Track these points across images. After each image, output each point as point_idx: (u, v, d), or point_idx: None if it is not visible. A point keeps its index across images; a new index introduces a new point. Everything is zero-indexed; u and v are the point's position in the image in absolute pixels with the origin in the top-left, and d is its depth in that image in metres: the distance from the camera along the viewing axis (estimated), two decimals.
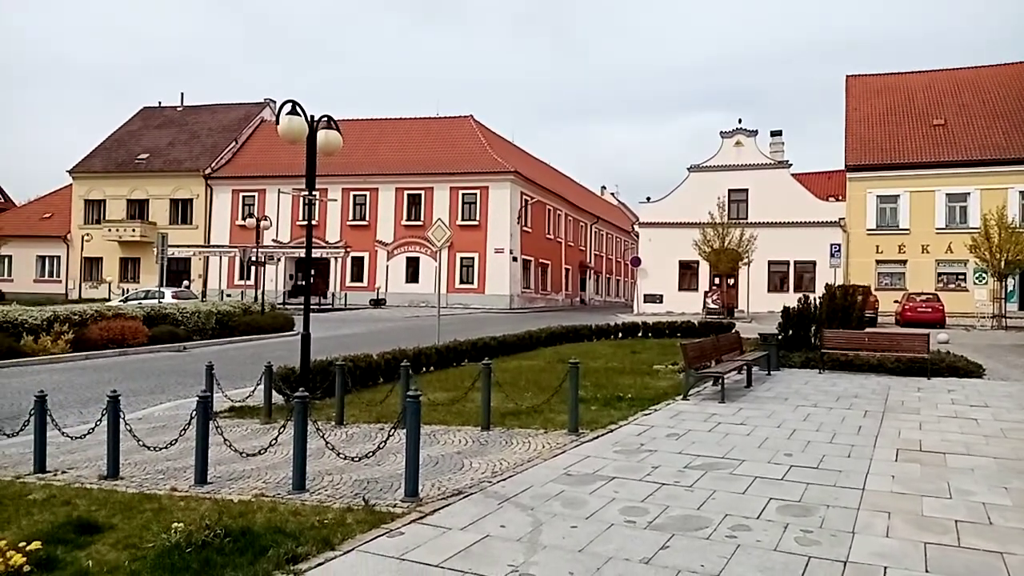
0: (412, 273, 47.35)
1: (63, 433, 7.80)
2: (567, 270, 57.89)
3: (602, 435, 8.77)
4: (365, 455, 6.54)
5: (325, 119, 11.38)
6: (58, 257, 53.73)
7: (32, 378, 14.83)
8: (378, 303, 45.56)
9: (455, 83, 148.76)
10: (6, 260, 53.34)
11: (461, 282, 46.14)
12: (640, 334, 24.27)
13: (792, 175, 41.65)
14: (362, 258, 48.32)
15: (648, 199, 45.51)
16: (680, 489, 6.48)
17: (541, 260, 52.05)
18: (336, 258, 47.38)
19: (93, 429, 7.67)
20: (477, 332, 20.24)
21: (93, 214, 52.89)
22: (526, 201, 48.56)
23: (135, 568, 4.59)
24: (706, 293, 39.17)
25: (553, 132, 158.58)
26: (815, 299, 18.30)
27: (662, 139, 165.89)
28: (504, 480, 6.67)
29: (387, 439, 6.61)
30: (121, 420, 7.25)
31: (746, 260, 36.84)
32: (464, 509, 5.80)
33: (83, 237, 51.65)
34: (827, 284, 19.81)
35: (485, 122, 53.18)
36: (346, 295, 46.23)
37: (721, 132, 42.56)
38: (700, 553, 4.90)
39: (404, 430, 6.10)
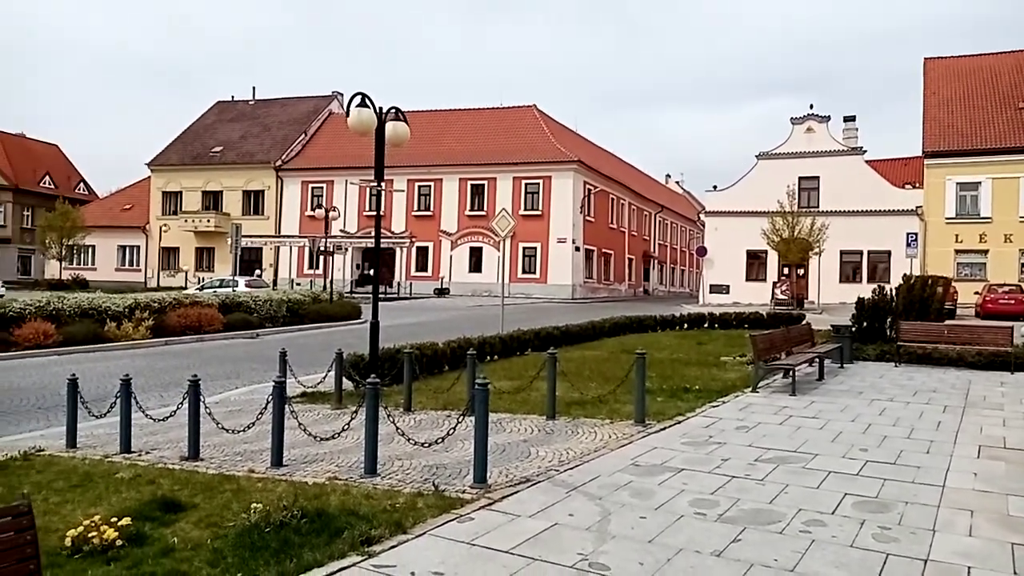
0: (475, 263, 47.68)
1: (147, 415, 8.15)
2: (630, 260, 57.38)
3: (669, 426, 8.69)
4: (434, 441, 6.64)
5: (393, 111, 11.53)
6: (138, 247, 56.01)
7: (115, 363, 15.53)
8: (442, 292, 46.07)
9: (518, 73, 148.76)
10: (90, 250, 55.87)
11: (523, 272, 46.23)
12: (706, 325, 23.92)
13: (866, 162, 40.27)
14: (426, 248, 48.91)
15: (715, 187, 44.67)
16: (751, 482, 6.37)
17: (604, 250, 51.72)
18: (401, 248, 48.10)
19: (175, 412, 8.00)
20: (539, 322, 20.27)
21: (170, 205, 54.92)
22: (589, 190, 48.28)
23: (217, 546, 4.78)
24: (774, 284, 38.27)
25: (617, 120, 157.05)
26: (891, 290, 17.69)
27: (728, 126, 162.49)
28: (571, 469, 6.68)
29: (456, 426, 6.69)
30: (201, 404, 7.53)
31: (817, 250, 35.82)
32: (532, 497, 5.84)
33: (161, 228, 53.70)
34: (905, 275, 19.14)
35: (548, 111, 53.06)
36: (411, 284, 46.88)
37: (792, 118, 41.42)
38: (773, 547, 4.82)
39: (471, 417, 6.17)
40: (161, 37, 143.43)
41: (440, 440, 6.65)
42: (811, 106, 42.44)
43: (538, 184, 46.63)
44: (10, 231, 61.35)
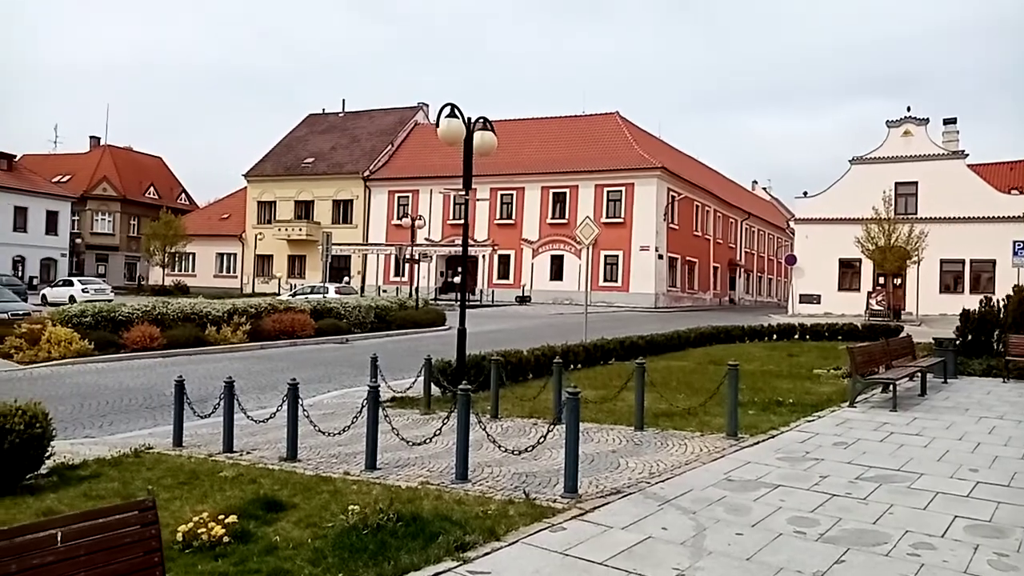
0: (556, 271, 47.68)
1: (248, 417, 8.48)
2: (715, 268, 56.22)
3: (763, 441, 8.46)
4: (524, 449, 6.66)
5: (481, 120, 11.67)
6: (234, 254, 58.50)
7: (214, 365, 16.24)
8: (523, 300, 46.26)
9: (601, 80, 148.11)
10: (191, 257, 58.72)
11: (605, 280, 45.92)
12: (796, 336, 23.18)
13: (968, 166, 38.24)
14: (508, 256, 49.24)
15: (805, 194, 43.33)
16: (853, 501, 6.12)
17: (688, 258, 50.85)
18: (483, 256, 48.58)
19: (275, 414, 8.30)
20: (622, 331, 20.08)
21: (265, 215, 57.14)
22: (673, 197, 47.60)
23: (318, 546, 4.92)
24: (869, 294, 36.77)
25: (701, 126, 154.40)
26: (998, 301, 16.73)
27: (817, 130, 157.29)
28: (662, 482, 6.58)
29: (546, 435, 6.69)
30: (299, 407, 7.79)
31: (915, 259, 34.24)
32: (624, 508, 5.78)
33: (256, 236, 55.93)
34: (1016, 285, 18.03)
35: (631, 117, 52.67)
36: (493, 292, 47.26)
37: (887, 121, 39.78)
38: (879, 570, 4.62)
39: (559, 426, 6.16)
40: (257, 53, 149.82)
41: (530, 448, 6.66)
42: (908, 108, 40.67)
43: (620, 191, 46.30)
44: (118, 239, 65.14)
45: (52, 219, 56.66)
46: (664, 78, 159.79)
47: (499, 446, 6.71)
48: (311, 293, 32.58)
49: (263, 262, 56.55)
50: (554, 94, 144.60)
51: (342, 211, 54.88)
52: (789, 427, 9.30)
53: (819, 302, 39.66)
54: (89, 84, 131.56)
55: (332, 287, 34.37)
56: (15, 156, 57.81)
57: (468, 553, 4.74)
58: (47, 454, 7.07)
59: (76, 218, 61.48)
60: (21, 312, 21.42)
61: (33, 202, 55.05)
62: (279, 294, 39.13)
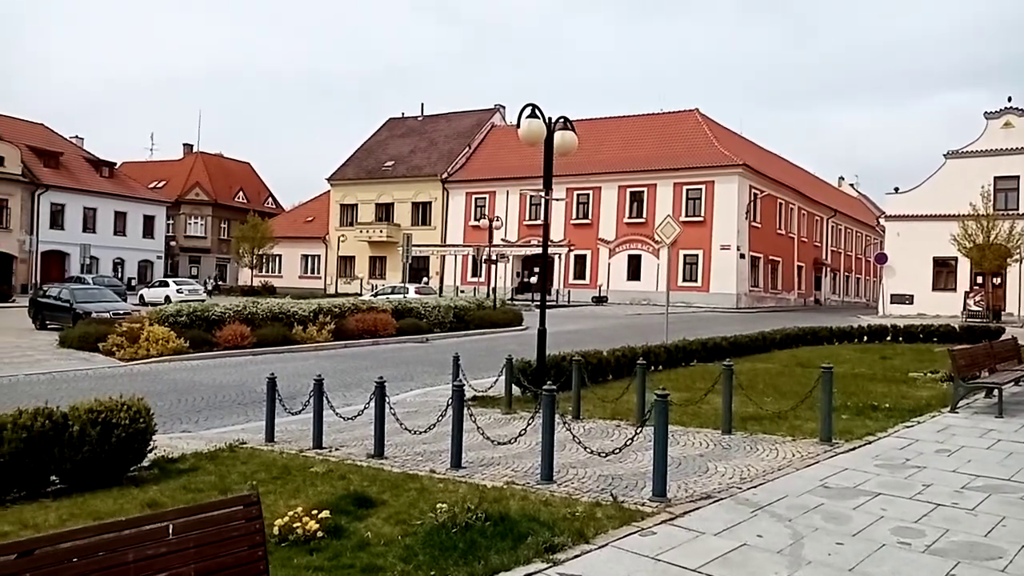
0: (634, 271, 47.16)
1: (336, 414, 8.68)
2: (799, 268, 54.48)
3: (859, 447, 8.11)
4: (611, 451, 6.57)
5: (562, 120, 11.63)
6: (318, 256, 60.19)
7: (301, 363, 16.71)
8: (600, 300, 45.94)
9: (679, 76, 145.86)
10: (277, 258, 60.76)
11: (684, 280, 45.07)
12: (888, 338, 22.19)
13: None
14: (584, 256, 48.99)
15: (896, 190, 41.48)
16: (960, 512, 5.80)
17: (771, 257, 49.46)
18: (560, 256, 48.47)
19: (362, 411, 8.46)
20: (703, 332, 19.66)
21: (347, 217, 58.59)
22: (755, 195, 46.39)
23: (408, 543, 4.97)
24: (967, 294, 34.92)
25: (784, 121, 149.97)
26: None
27: (907, 123, 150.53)
28: (755, 487, 6.39)
29: (634, 437, 6.59)
30: (386, 405, 7.91)
31: (1016, 257, 32.32)
32: (715, 514, 5.63)
33: (339, 238, 57.41)
34: None
35: (711, 114, 51.58)
36: (569, 292, 47.09)
37: (986, 113, 37.67)
38: None
39: (644, 428, 6.05)
40: (340, 61, 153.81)
41: (618, 451, 6.57)
42: (1009, 99, 38.30)
43: (700, 189, 45.42)
44: (209, 242, 67.98)
45: (149, 223, 59.56)
46: (745, 73, 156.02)
47: (584, 447, 6.65)
48: (392, 293, 33.19)
49: (345, 263, 57.96)
50: (631, 93, 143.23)
51: (421, 213, 55.73)
52: (887, 433, 8.89)
53: (912, 302, 37.91)
54: (183, 94, 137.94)
55: (412, 287, 34.94)
56: (115, 164, 61.02)
57: (558, 555, 4.70)
58: (149, 448, 7.40)
59: (171, 222, 64.43)
60: (122, 312, 22.59)
61: (132, 207, 57.99)
62: (361, 294, 40.03)
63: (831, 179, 75.53)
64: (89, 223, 54.36)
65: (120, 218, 56.96)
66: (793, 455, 7.73)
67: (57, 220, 52.35)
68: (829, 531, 5.27)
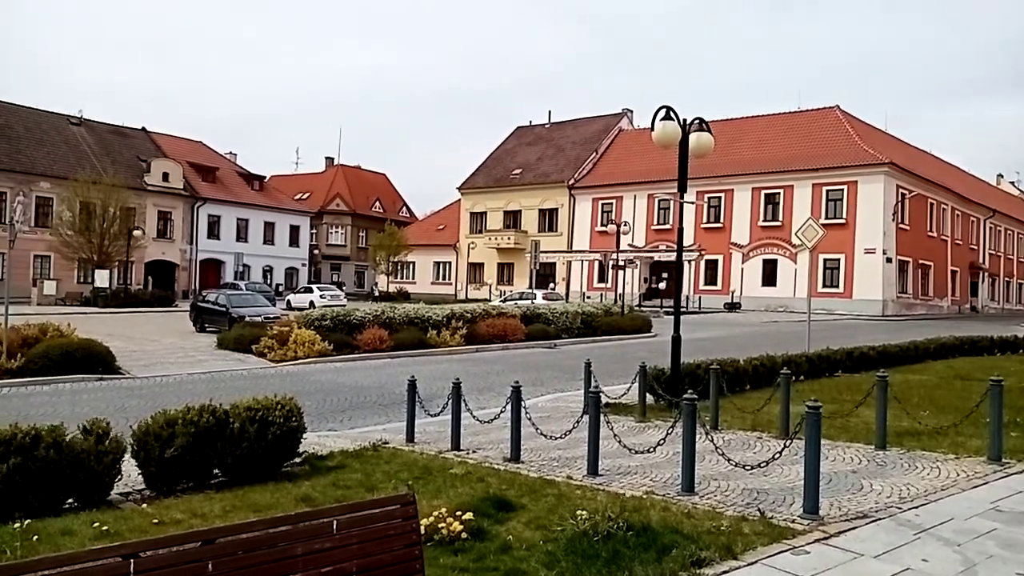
0: (768, 276, 45.34)
1: (474, 417, 8.84)
2: (953, 272, 50.57)
3: None
4: (758, 464, 6.32)
5: (697, 121, 11.37)
6: (449, 262, 61.87)
7: (436, 366, 17.17)
8: (732, 307, 44.48)
9: (818, 73, 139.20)
10: (411, 265, 62.97)
11: (824, 285, 42.86)
12: None
13: None
14: (716, 261, 47.62)
15: None
16: None
17: (921, 261, 46.19)
18: (690, 261, 47.35)
19: (499, 415, 8.57)
20: (846, 340, 18.60)
21: (476, 225, 59.89)
22: (903, 195, 43.48)
23: (550, 549, 4.97)
24: None
25: (935, 117, 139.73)
26: None
27: None
28: (916, 508, 5.95)
29: (782, 450, 6.30)
30: (522, 409, 7.98)
31: None
32: (873, 535, 5.28)
33: (469, 245, 58.79)
34: None
35: (853, 111, 48.88)
36: (700, 298, 45.90)
37: None
38: None
39: (791, 441, 5.77)
40: (470, 72, 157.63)
41: (764, 464, 6.30)
42: None
43: (842, 190, 43.10)
44: (348, 250, 71.44)
45: (294, 233, 63.34)
46: (889, 69, 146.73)
47: (728, 459, 6.43)
48: (520, 299, 33.57)
49: (475, 269, 59.21)
50: (766, 91, 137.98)
51: (548, 219, 56.08)
52: None
53: None
54: (325, 110, 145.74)
55: (539, 293, 35.19)
56: (265, 177, 65.34)
57: (704, 570, 4.56)
58: (300, 445, 7.81)
59: (314, 231, 68.18)
60: (272, 316, 24.06)
61: (279, 218, 61.86)
62: (490, 300, 40.73)
63: (989, 177, 69.70)
64: (242, 233, 58.44)
65: (269, 228, 60.86)
66: (957, 474, 7.15)
67: (214, 231, 56.60)
68: (1006, 559, 4.83)
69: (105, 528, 5.46)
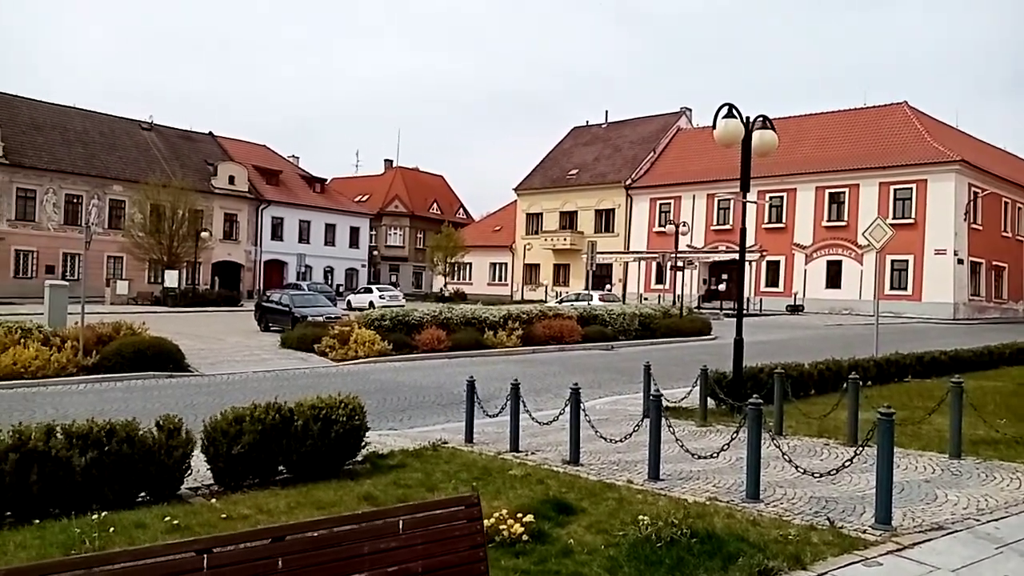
0: (833, 277, 44.15)
1: (532, 418, 8.81)
2: None
3: None
4: (827, 472, 6.14)
5: (760, 119, 11.13)
6: (505, 263, 62.07)
7: (493, 367, 17.21)
8: (795, 309, 43.44)
9: (885, 69, 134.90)
10: (467, 266, 63.39)
11: (892, 288, 41.51)
12: None
13: None
14: (777, 262, 46.60)
15: None
16: None
17: (995, 262, 44.34)
18: (751, 262, 46.45)
19: (558, 417, 8.53)
20: (916, 345, 17.98)
21: (532, 226, 59.92)
22: (975, 194, 41.83)
23: (612, 554, 4.91)
24: None
25: (1010, 112, 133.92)
26: None
27: None
28: (996, 520, 5.70)
29: (853, 457, 6.11)
30: (581, 411, 7.92)
31: None
32: (950, 547, 5.07)
33: (524, 246, 58.84)
34: None
35: (922, 108, 47.23)
36: (760, 300, 44.97)
37: None
38: None
39: (862, 448, 5.58)
40: (526, 74, 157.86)
41: (834, 471, 6.12)
42: None
43: (910, 189, 41.70)
44: (407, 251, 72.35)
45: (354, 234, 64.45)
46: (962, 63, 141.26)
47: (796, 466, 6.26)
48: (576, 300, 33.43)
49: (530, 270, 59.24)
50: (828, 88, 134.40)
51: (604, 220, 55.74)
52: None
53: None
54: (385, 111, 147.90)
55: (596, 295, 34.97)
56: (326, 180, 66.65)
57: None
58: (363, 444, 7.91)
59: (373, 233, 69.23)
60: (333, 316, 24.49)
61: (340, 220, 63.04)
62: (546, 301, 40.67)
63: None
64: (304, 234, 59.73)
65: (330, 230, 62.05)
66: None
67: (277, 232, 57.97)
68: None
69: (176, 522, 5.62)
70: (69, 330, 16.03)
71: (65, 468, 6.05)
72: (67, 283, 21.93)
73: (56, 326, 16.73)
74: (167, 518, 5.69)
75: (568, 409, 8.07)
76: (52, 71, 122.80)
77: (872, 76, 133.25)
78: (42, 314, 19.30)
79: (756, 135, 11.01)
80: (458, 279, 62.78)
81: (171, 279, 43.27)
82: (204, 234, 45.82)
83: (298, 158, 67.47)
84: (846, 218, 43.45)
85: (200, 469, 7.12)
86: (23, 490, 5.88)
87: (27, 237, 45.10)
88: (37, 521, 5.73)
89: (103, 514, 5.60)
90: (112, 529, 5.31)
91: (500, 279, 62.35)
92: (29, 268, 45.18)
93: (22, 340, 14.54)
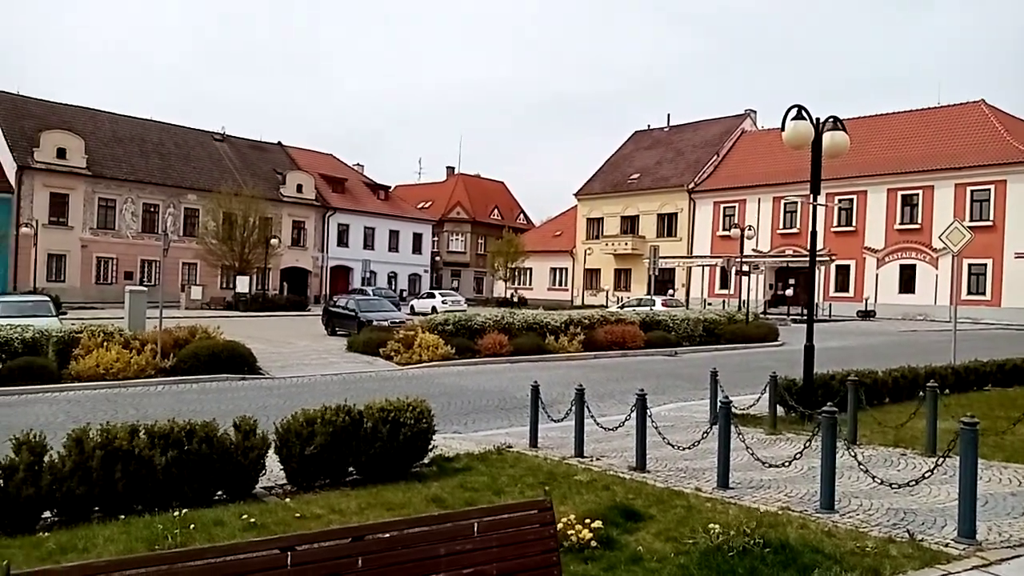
0: (906, 282, 42.65)
1: (597, 424, 8.77)
2: None
3: None
4: (906, 483, 5.94)
5: (831, 120, 10.85)
6: (565, 269, 61.98)
7: (554, 372, 17.18)
8: (866, 315, 42.10)
9: (961, 67, 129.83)
10: (528, 271, 63.53)
11: (969, 292, 39.86)
12: None
13: None
14: (847, 266, 45.27)
15: None
16: None
17: None
18: (820, 266, 45.25)
19: (623, 422, 8.48)
20: (995, 352, 17.21)
21: (593, 231, 59.69)
22: None
23: (682, 562, 4.85)
24: None
25: None
26: None
27: None
28: None
29: (934, 468, 5.89)
30: (648, 417, 7.85)
31: None
32: None
33: (585, 251, 58.63)
34: None
35: (1001, 105, 45.26)
36: (830, 305, 43.75)
37: None
38: None
39: (944, 459, 5.37)
40: (590, 79, 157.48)
41: (913, 482, 5.92)
42: None
43: (988, 190, 40.01)
44: (468, 257, 72.94)
45: (417, 240, 65.40)
46: None
47: (872, 476, 6.07)
48: (638, 305, 33.10)
49: (591, 275, 58.98)
50: (896, 88, 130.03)
51: (666, 224, 55.11)
52: None
53: None
54: (448, 119, 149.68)
55: (658, 300, 34.58)
56: (390, 187, 67.81)
57: None
58: (430, 447, 8.00)
59: (435, 238, 70.06)
60: (398, 320, 24.86)
61: (403, 226, 64.03)
62: (607, 306, 40.39)
63: None
64: (368, 241, 60.85)
65: (394, 236, 63.07)
66: None
67: (343, 239, 59.22)
68: None
69: (252, 520, 5.79)
70: (148, 334, 16.68)
71: (147, 466, 6.30)
72: (145, 289, 22.82)
73: (136, 330, 17.41)
74: (244, 516, 5.86)
75: (634, 415, 8.01)
76: (135, 85, 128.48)
77: (944, 75, 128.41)
78: (122, 318, 20.12)
79: (827, 136, 10.74)
80: (518, 284, 62.95)
81: (242, 285, 44.64)
82: (273, 241, 47.15)
83: (363, 166, 68.81)
84: (920, 221, 41.96)
85: (273, 469, 7.32)
86: (109, 487, 6.16)
87: (107, 245, 47.15)
88: (122, 516, 5.99)
89: (183, 511, 5.81)
90: (192, 526, 5.50)
91: (560, 284, 62.27)
92: (109, 274, 47.22)
93: (104, 343, 15.18)
